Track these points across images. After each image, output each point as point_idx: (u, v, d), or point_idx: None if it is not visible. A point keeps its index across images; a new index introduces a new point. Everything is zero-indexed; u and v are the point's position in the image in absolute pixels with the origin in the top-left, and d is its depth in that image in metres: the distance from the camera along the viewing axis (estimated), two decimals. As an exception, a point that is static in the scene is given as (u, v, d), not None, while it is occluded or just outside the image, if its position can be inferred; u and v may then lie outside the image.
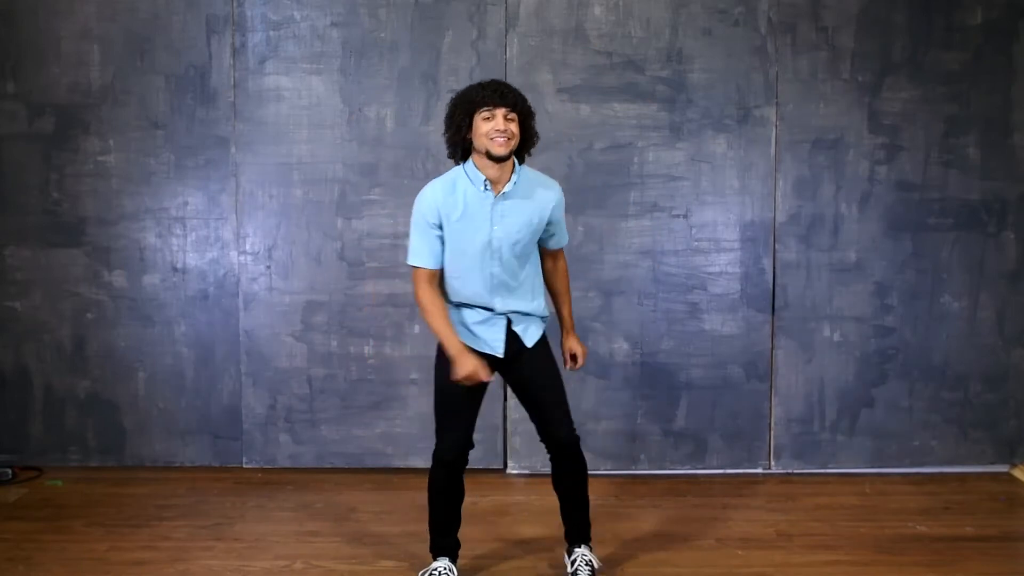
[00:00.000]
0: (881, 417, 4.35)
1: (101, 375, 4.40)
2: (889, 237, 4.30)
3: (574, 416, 3.16)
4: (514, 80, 4.05)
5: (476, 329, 3.04)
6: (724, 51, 4.24)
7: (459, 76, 4.21)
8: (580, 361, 3.25)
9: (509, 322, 3.05)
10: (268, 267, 4.33)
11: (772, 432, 4.36)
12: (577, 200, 4.12)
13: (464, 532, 3.25)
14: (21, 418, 4.42)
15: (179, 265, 4.37)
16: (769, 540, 3.61)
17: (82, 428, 4.42)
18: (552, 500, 3.29)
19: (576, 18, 4.23)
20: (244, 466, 4.42)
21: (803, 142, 4.27)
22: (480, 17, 4.23)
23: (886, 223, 4.30)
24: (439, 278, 3.04)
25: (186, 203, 4.34)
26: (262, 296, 4.34)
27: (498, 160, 2.89)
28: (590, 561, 3.20)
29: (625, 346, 4.32)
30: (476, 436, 3.15)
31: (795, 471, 4.38)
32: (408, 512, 3.87)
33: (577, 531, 3.25)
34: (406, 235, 4.25)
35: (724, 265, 4.31)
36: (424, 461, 4.33)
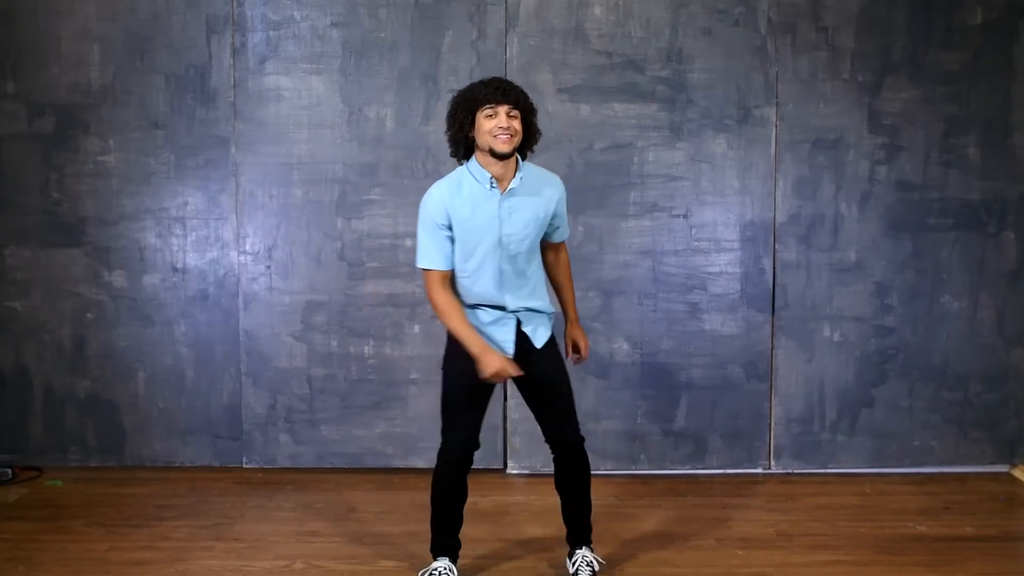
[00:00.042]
0: (881, 417, 4.35)
1: (101, 375, 4.40)
2: (889, 237, 4.30)
3: (574, 416, 3.17)
4: (514, 80, 4.04)
5: (487, 330, 3.04)
6: (724, 51, 4.24)
7: (459, 76, 4.21)
8: (583, 353, 3.27)
9: (519, 323, 3.05)
10: (268, 267, 4.33)
11: (772, 432, 4.36)
12: (577, 200, 4.12)
13: (464, 532, 3.25)
14: (21, 418, 4.42)
15: (179, 265, 4.37)
16: (769, 540, 3.61)
17: (82, 428, 4.42)
18: (553, 500, 3.29)
19: (576, 18, 4.23)
20: (244, 466, 4.42)
21: (803, 142, 4.27)
22: (480, 17, 4.23)
23: (886, 223, 4.30)
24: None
25: (186, 203, 4.34)
26: (262, 296, 4.34)
27: (502, 157, 2.90)
28: (591, 562, 3.20)
29: (625, 346, 4.32)
30: (476, 436, 3.15)
31: (795, 471, 4.38)
32: (408, 512, 3.87)
33: (579, 532, 3.25)
34: (406, 235, 4.32)
35: (724, 265, 4.31)
36: (424, 461, 4.35)
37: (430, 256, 2.98)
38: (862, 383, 4.34)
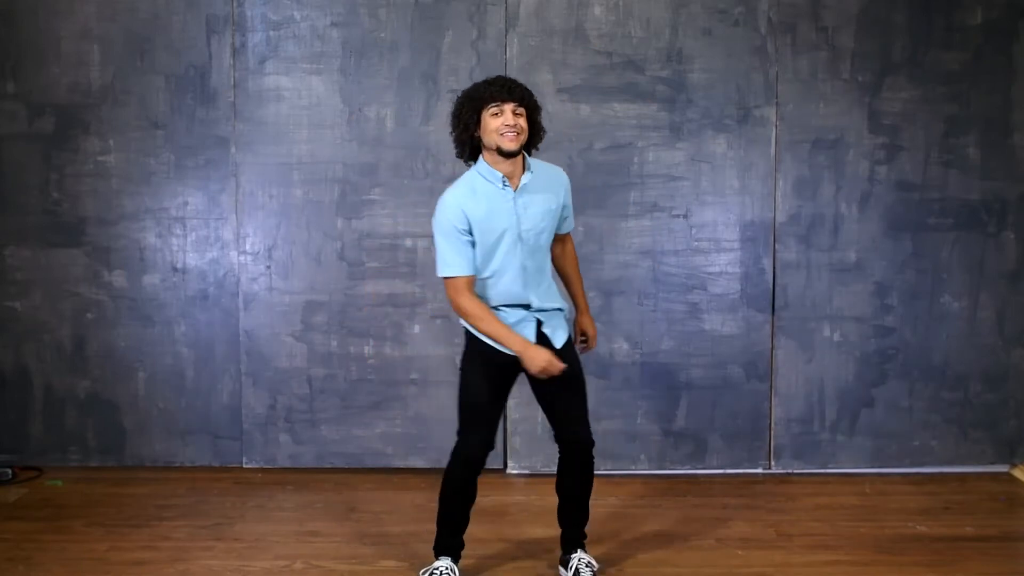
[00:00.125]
0: (881, 417, 4.35)
1: (101, 375, 4.40)
2: (889, 237, 4.30)
3: (575, 414, 3.17)
4: (514, 80, 4.05)
5: None
6: (724, 51, 4.24)
7: (459, 76, 4.21)
8: (591, 343, 3.31)
9: (539, 323, 3.06)
10: (268, 267, 4.33)
11: (772, 432, 4.36)
12: (577, 200, 4.09)
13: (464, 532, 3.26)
14: (21, 418, 4.42)
15: (179, 265, 4.37)
16: (769, 540, 3.61)
17: (82, 428, 4.42)
18: (553, 500, 3.29)
19: (576, 18, 4.23)
20: (244, 466, 4.42)
21: (803, 142, 4.27)
22: (480, 17, 4.23)
23: (886, 223, 4.30)
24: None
25: (186, 203, 4.34)
26: (262, 296, 4.34)
27: (509, 155, 2.91)
28: (589, 563, 3.21)
29: (625, 346, 4.32)
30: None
31: (795, 471, 4.38)
32: (408, 512, 3.87)
33: (576, 535, 3.25)
34: (406, 235, 4.32)
35: (724, 265, 4.31)
36: (424, 461, 4.35)
37: (453, 263, 2.96)
38: (862, 383, 4.34)
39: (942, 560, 3.42)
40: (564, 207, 3.13)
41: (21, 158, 4.32)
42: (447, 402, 4.28)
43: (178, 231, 4.36)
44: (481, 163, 2.99)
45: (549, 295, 3.09)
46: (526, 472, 4.35)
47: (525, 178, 2.98)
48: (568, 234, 3.27)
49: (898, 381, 4.34)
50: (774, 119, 4.26)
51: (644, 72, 4.24)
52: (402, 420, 4.37)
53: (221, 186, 4.33)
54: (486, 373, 3.03)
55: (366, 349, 4.35)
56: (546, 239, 3.06)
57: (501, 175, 2.95)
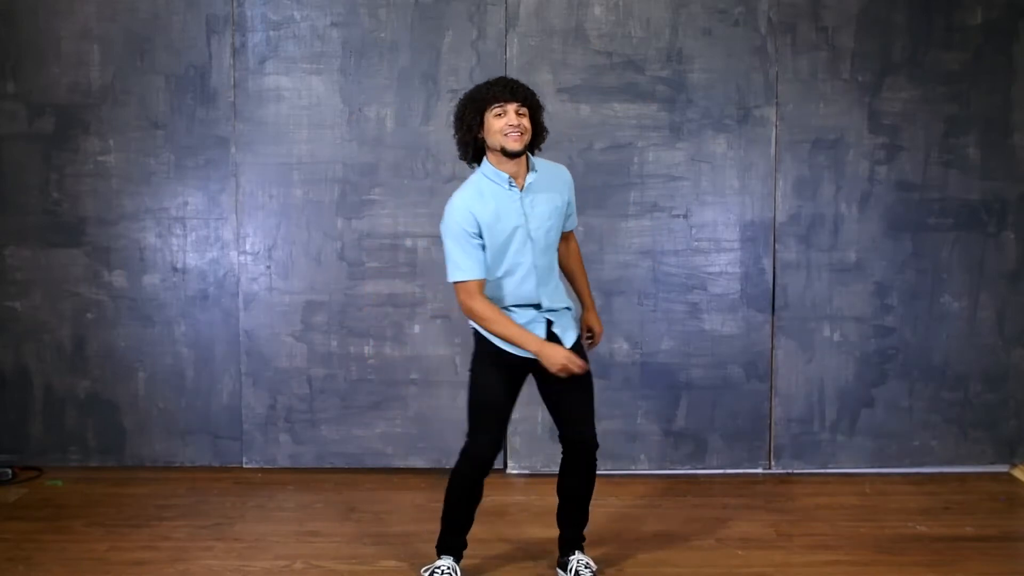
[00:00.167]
0: (881, 417, 4.35)
1: (101, 375, 4.40)
2: (889, 237, 4.30)
3: (576, 414, 3.17)
4: (514, 80, 4.05)
5: None
6: (724, 51, 4.24)
7: (459, 76, 4.21)
8: (596, 340, 3.31)
9: (549, 323, 3.06)
10: (268, 267, 4.33)
11: (772, 432, 4.36)
12: (577, 200, 4.05)
13: (465, 532, 3.26)
14: (21, 418, 4.42)
15: (179, 265, 4.37)
16: (769, 540, 3.61)
17: (82, 428, 4.42)
18: (553, 500, 3.29)
19: (576, 18, 4.23)
20: (244, 466, 4.42)
21: (803, 142, 4.27)
22: (480, 17, 4.23)
23: (886, 223, 4.30)
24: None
25: (186, 203, 4.34)
26: (262, 296, 4.34)
27: (513, 156, 2.91)
28: (588, 564, 3.21)
29: (625, 346, 4.32)
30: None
31: (795, 471, 4.38)
32: (408, 512, 3.87)
33: (575, 537, 3.25)
34: (406, 235, 4.32)
35: (724, 265, 4.31)
36: (424, 461, 4.35)
37: (464, 267, 2.94)
38: (862, 383, 4.34)
39: (942, 560, 3.42)
40: (569, 204, 3.14)
41: (21, 158, 4.32)
42: (447, 402, 4.29)
43: (178, 231, 4.36)
44: (486, 164, 2.99)
45: (557, 294, 3.10)
46: (526, 472, 4.35)
47: (530, 177, 2.98)
48: (572, 232, 3.27)
49: (898, 381, 4.34)
50: (774, 119, 4.26)
51: (644, 72, 4.24)
52: (402, 420, 4.37)
53: (221, 186, 4.33)
54: (497, 374, 3.03)
55: (366, 349, 4.34)
56: (554, 237, 3.07)
57: (507, 175, 2.95)
